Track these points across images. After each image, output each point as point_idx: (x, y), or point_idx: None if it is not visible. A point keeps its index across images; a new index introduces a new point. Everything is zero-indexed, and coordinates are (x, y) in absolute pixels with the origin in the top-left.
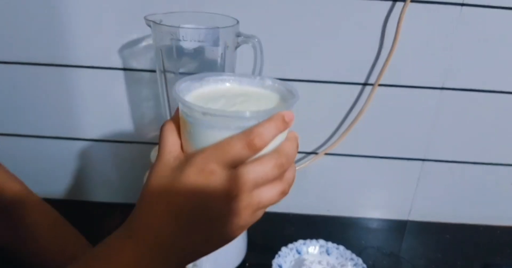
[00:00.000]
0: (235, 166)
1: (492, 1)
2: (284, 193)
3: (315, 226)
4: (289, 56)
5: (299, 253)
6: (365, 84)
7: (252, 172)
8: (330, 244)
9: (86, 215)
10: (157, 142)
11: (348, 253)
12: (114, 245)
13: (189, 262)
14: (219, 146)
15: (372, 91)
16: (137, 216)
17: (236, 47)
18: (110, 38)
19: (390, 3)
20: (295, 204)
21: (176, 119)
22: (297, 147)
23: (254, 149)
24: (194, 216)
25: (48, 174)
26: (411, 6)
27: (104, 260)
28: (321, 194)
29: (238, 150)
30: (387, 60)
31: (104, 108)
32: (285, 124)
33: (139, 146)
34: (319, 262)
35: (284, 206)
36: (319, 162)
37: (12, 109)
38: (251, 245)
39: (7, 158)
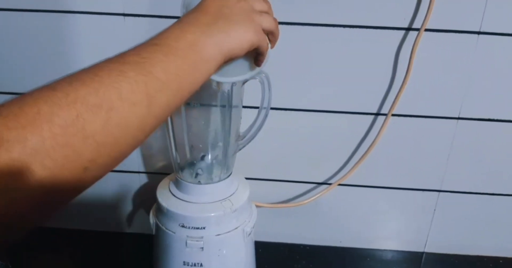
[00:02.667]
0: None
1: (510, 29)
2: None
3: (327, 258)
4: (299, 87)
5: None
6: (377, 114)
7: None
8: None
9: (91, 245)
10: (166, 172)
11: None
12: (175, 33)
13: (225, 43)
14: None
15: (385, 121)
16: (187, 17)
17: (243, 83)
18: None
19: (403, 32)
20: (307, 234)
21: None
22: None
23: None
24: (219, 9)
25: None
26: (425, 35)
27: (172, 41)
28: (333, 225)
29: None
30: (400, 90)
31: None
32: None
33: (146, 176)
34: None
35: (296, 237)
36: (332, 192)
37: None
38: None
39: None
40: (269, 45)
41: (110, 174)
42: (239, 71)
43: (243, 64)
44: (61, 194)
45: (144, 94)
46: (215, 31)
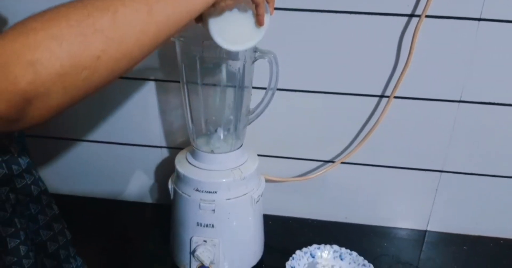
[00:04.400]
0: None
1: (510, 16)
2: None
3: (332, 233)
4: (306, 69)
5: (313, 257)
6: (381, 96)
7: None
8: (343, 249)
9: (117, 213)
10: (183, 147)
11: (361, 259)
12: None
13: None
14: None
15: (388, 103)
16: None
17: (253, 62)
18: None
19: (406, 18)
20: (312, 210)
21: None
22: None
23: None
24: None
25: (84, 174)
26: (426, 21)
27: None
28: (340, 202)
29: None
30: (402, 73)
31: (136, 115)
32: None
33: (167, 151)
34: (332, 267)
35: (302, 212)
36: (337, 171)
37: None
38: (268, 247)
39: (50, 158)
40: (268, 9)
41: (135, 148)
42: (247, 36)
43: (248, 28)
44: (78, 75)
45: (144, 4)
46: None
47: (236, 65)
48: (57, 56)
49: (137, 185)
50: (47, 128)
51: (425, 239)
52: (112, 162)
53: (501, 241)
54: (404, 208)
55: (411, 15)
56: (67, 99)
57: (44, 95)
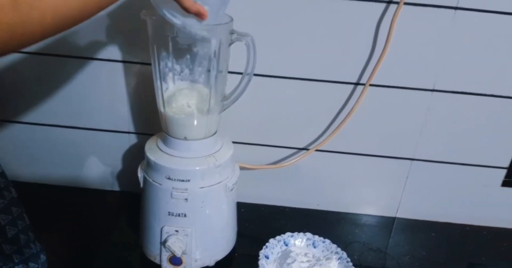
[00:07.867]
0: None
1: (486, 5)
2: None
3: (304, 220)
4: (282, 55)
5: (286, 245)
6: (356, 84)
7: None
8: (316, 237)
9: (83, 201)
10: (152, 133)
11: (334, 246)
12: None
13: None
14: None
15: (363, 91)
16: None
17: (229, 44)
18: (109, 32)
19: (384, 5)
20: (285, 197)
21: None
22: None
23: None
24: None
25: (48, 160)
26: (404, 8)
27: None
28: (312, 189)
29: None
30: (378, 61)
31: (103, 99)
32: None
33: (136, 137)
34: (305, 255)
35: (275, 199)
36: (311, 158)
37: (15, 97)
38: (241, 236)
39: (8, 142)
40: None
41: (101, 134)
42: None
43: None
44: None
45: None
46: None
47: (211, 47)
48: None
49: (104, 172)
50: (5, 111)
51: (394, 226)
52: (77, 148)
53: (467, 228)
54: (375, 195)
55: (390, 2)
56: None
57: None
